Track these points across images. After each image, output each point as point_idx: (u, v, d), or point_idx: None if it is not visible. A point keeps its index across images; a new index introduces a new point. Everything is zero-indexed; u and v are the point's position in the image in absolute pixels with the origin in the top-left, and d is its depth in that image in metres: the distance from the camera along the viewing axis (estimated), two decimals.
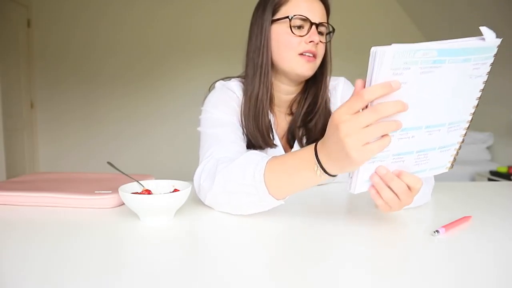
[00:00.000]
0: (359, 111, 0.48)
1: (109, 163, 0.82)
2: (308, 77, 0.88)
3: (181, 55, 3.98)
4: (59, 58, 3.98)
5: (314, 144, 0.57)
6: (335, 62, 0.93)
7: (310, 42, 0.83)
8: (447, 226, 0.61)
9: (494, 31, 0.48)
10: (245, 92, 0.90)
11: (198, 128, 0.89)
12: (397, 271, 0.46)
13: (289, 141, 0.95)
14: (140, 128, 4.07)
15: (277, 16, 0.85)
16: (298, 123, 0.93)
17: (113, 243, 0.58)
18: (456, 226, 0.63)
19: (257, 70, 0.87)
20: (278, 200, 0.64)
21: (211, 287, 0.42)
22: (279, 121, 0.96)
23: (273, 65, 0.88)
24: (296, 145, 0.94)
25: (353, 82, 1.01)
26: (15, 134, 3.69)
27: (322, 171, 0.55)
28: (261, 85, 0.87)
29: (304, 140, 0.93)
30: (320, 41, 0.85)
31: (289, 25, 0.83)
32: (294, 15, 0.83)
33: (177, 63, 3.99)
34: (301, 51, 0.84)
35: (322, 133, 0.92)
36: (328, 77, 0.93)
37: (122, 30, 3.95)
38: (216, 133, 0.83)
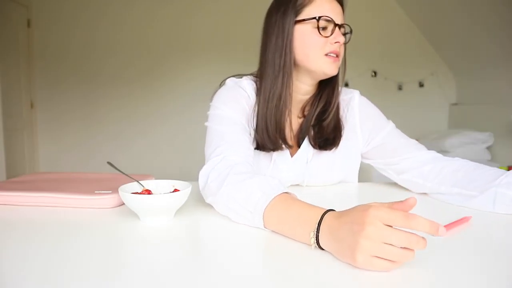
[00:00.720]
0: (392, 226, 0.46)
1: (109, 163, 0.82)
2: (332, 76, 0.88)
3: (181, 55, 3.97)
4: (59, 58, 3.97)
5: (325, 210, 0.54)
6: None
7: (336, 43, 0.84)
8: (447, 226, 0.61)
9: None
10: (263, 92, 0.89)
11: (206, 123, 0.88)
12: (397, 271, 0.46)
13: (299, 140, 0.95)
14: (140, 128, 4.07)
15: (301, 17, 0.85)
16: (312, 122, 0.94)
17: (113, 243, 0.58)
18: (456, 226, 0.63)
19: (280, 70, 0.86)
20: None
21: (211, 287, 0.42)
22: (291, 123, 0.96)
23: (294, 65, 0.88)
24: (306, 142, 0.94)
25: (358, 91, 1.01)
26: (15, 134, 3.69)
27: (315, 239, 0.52)
28: (284, 85, 0.87)
29: (315, 139, 0.93)
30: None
31: (316, 26, 0.84)
32: (320, 16, 0.83)
33: (177, 63, 3.99)
34: (326, 52, 0.84)
35: (333, 133, 0.92)
36: (343, 76, 0.93)
37: (122, 30, 3.95)
38: (225, 131, 0.82)
